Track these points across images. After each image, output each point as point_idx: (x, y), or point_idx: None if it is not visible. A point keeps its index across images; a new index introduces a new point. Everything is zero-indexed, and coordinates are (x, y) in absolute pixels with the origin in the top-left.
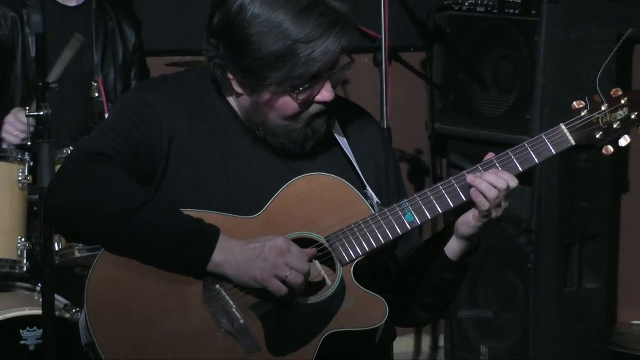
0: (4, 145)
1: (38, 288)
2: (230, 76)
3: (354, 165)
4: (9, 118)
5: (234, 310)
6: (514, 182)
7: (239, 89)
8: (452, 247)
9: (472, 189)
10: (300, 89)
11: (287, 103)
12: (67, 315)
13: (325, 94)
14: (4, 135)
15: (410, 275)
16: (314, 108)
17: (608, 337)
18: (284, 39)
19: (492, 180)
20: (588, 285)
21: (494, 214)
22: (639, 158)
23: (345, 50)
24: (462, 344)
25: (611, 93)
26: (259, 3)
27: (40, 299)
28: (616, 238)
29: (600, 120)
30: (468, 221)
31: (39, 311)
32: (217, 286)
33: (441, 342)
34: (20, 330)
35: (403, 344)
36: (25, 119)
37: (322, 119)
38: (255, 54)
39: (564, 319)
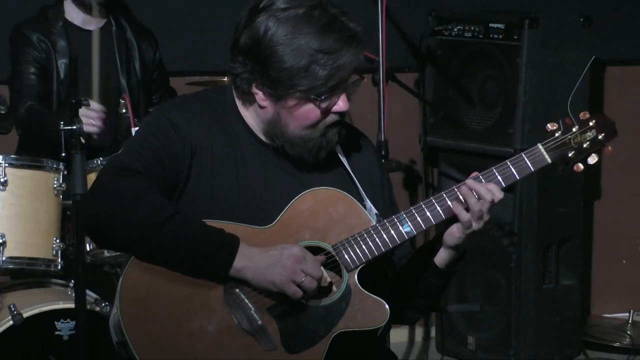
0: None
1: (71, 284)
2: (256, 90)
3: (354, 181)
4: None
5: (252, 312)
6: (499, 194)
7: (263, 102)
8: (440, 256)
9: (453, 203)
10: (323, 97)
11: (310, 111)
12: (97, 309)
13: (342, 104)
14: (86, 128)
15: (404, 281)
16: (330, 118)
17: (582, 329)
18: (308, 51)
19: (477, 188)
20: (564, 282)
21: (475, 226)
22: (609, 168)
23: (355, 69)
24: (451, 335)
25: (580, 116)
26: (284, 21)
27: (73, 294)
28: (590, 240)
29: (572, 140)
30: (453, 233)
31: (72, 305)
32: (237, 290)
33: (433, 334)
34: (55, 322)
35: (398, 336)
36: (95, 107)
37: (335, 129)
38: (282, 66)
39: (542, 313)
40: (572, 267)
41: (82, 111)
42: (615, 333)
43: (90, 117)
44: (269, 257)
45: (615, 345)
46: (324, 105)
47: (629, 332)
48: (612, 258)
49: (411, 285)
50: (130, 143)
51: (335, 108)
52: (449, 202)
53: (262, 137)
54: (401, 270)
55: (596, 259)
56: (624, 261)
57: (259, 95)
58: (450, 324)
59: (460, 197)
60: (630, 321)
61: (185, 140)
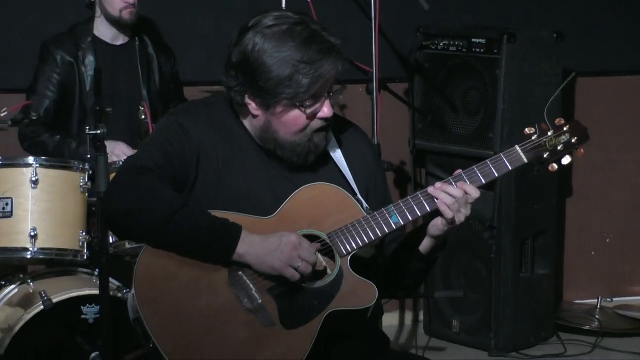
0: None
1: (96, 273)
2: (248, 100)
3: (345, 175)
4: (116, 151)
5: (253, 292)
6: (476, 194)
7: (255, 111)
8: (424, 244)
9: (434, 198)
10: (307, 103)
11: (297, 117)
12: (119, 295)
13: (326, 110)
14: (114, 159)
15: (393, 264)
16: (316, 123)
17: (555, 313)
18: (291, 61)
19: (449, 190)
20: (539, 271)
21: (456, 219)
22: (580, 168)
23: (340, 80)
24: (438, 319)
25: (555, 122)
26: (270, 36)
27: (98, 282)
28: (562, 233)
29: (547, 143)
30: (437, 224)
31: (96, 291)
32: (240, 272)
33: (421, 317)
34: (81, 307)
35: (390, 319)
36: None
37: (322, 134)
38: (268, 76)
39: (519, 299)
40: (546, 257)
41: (119, 150)
42: (585, 317)
43: (124, 154)
44: (268, 244)
45: (585, 328)
46: (309, 111)
47: (597, 317)
48: (582, 250)
49: (399, 267)
50: (144, 145)
51: (320, 114)
52: (434, 199)
53: (260, 142)
54: (391, 254)
55: (568, 251)
56: (593, 252)
57: (252, 105)
58: (436, 309)
59: (437, 193)
60: (598, 306)
61: (192, 141)
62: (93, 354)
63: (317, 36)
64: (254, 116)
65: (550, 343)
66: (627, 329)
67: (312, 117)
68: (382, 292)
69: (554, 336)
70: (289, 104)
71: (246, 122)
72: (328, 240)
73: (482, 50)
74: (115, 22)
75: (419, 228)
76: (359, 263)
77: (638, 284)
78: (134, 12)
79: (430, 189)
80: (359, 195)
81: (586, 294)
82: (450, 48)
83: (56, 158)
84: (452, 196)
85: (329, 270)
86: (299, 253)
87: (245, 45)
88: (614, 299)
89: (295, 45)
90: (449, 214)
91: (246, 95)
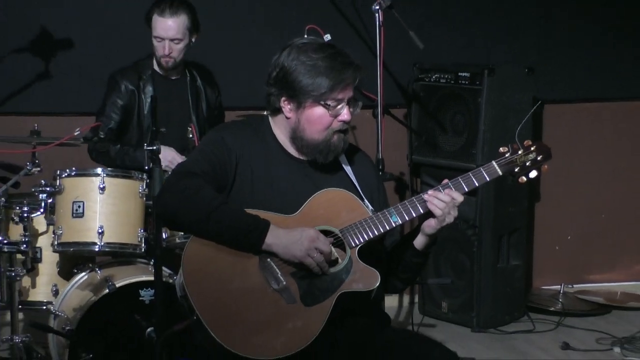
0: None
1: (151, 263)
2: (283, 104)
3: (355, 185)
4: (169, 157)
5: (279, 275)
6: (460, 198)
7: (289, 113)
8: (419, 241)
9: (428, 202)
10: (330, 104)
11: (322, 116)
12: (170, 281)
13: (346, 115)
14: (166, 165)
15: (393, 260)
16: (336, 125)
17: (526, 297)
18: (320, 69)
19: (440, 197)
20: (513, 262)
21: (447, 220)
22: (547, 179)
23: (358, 97)
24: (430, 301)
25: (524, 143)
26: (303, 50)
27: (153, 270)
28: (532, 231)
29: (517, 160)
30: (430, 224)
31: (151, 278)
32: (269, 259)
33: (416, 300)
34: (140, 290)
35: (391, 301)
36: (177, 158)
37: (341, 136)
38: (301, 78)
39: (497, 285)
40: (518, 251)
41: (170, 155)
42: (551, 300)
43: (173, 157)
44: (291, 237)
45: (550, 309)
46: (331, 111)
47: (560, 300)
48: (548, 245)
49: (398, 263)
50: (192, 154)
51: (340, 117)
52: (427, 202)
53: (289, 151)
54: (391, 253)
55: (537, 246)
56: (557, 247)
57: (286, 108)
58: (429, 293)
59: (430, 199)
60: (561, 292)
61: (232, 152)
62: (149, 329)
63: (343, 54)
64: (287, 118)
65: (522, 321)
66: (586, 310)
67: (334, 117)
68: (385, 287)
69: (525, 316)
70: (316, 102)
71: (279, 131)
72: (340, 235)
73: (467, 82)
74: (159, 64)
75: (413, 230)
76: (365, 254)
77: (594, 274)
78: (169, 61)
79: (425, 196)
80: (366, 200)
81: (551, 281)
82: (441, 80)
83: (120, 169)
84: (443, 201)
85: (340, 260)
86: (316, 245)
87: (283, 59)
88: (574, 285)
89: (324, 57)
90: (440, 214)
91: (282, 99)
